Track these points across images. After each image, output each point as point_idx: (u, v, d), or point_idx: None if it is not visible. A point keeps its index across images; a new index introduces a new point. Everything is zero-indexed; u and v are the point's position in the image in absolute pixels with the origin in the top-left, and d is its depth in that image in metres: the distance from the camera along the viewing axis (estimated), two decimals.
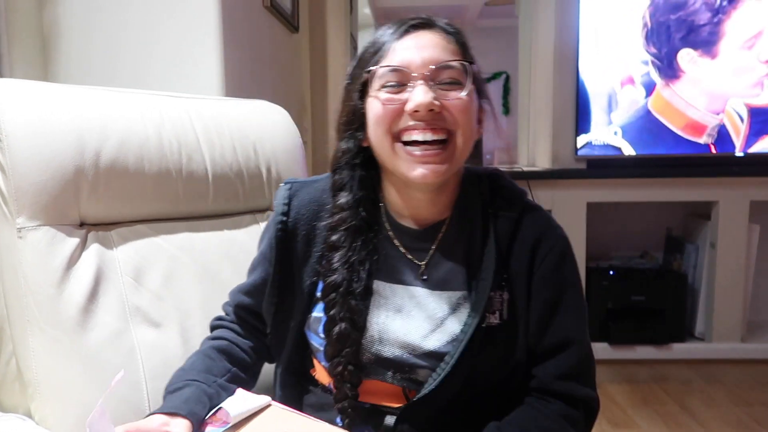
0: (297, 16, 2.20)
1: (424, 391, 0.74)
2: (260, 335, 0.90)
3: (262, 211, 1.19)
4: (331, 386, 0.80)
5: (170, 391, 0.78)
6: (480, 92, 0.78)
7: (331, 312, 0.77)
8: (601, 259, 2.95)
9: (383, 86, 0.74)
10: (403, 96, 0.73)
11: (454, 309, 0.77)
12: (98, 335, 0.84)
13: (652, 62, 2.67)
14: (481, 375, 0.75)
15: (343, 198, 0.80)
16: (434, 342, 0.75)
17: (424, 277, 0.79)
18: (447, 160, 0.73)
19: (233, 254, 1.07)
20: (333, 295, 0.78)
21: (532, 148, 2.94)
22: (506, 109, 6.64)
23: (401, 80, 0.73)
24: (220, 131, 1.09)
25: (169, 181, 0.99)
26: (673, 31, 2.64)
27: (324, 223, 0.82)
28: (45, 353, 0.80)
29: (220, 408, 0.75)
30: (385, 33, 0.77)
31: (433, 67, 0.72)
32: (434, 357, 0.75)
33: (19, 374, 0.83)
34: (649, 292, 2.71)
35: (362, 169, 0.80)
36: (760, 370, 2.60)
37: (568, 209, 2.64)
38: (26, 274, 0.81)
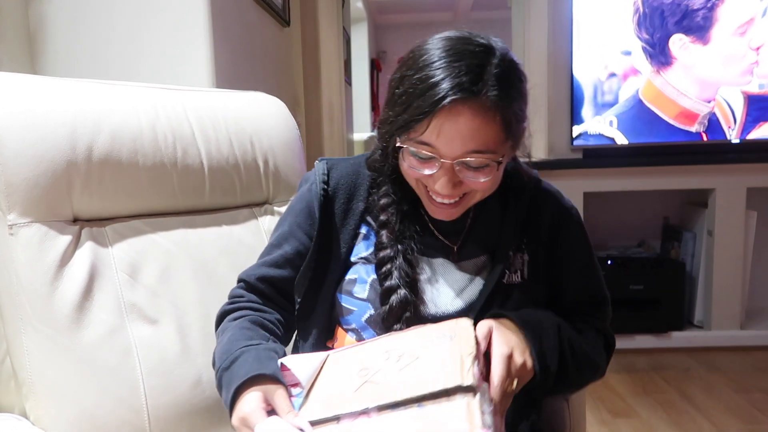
0: (288, 10, 2.18)
1: None
2: (282, 310, 0.88)
3: (260, 204, 1.17)
4: None
5: (225, 367, 0.74)
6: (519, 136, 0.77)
7: (387, 283, 0.80)
8: (598, 249, 2.95)
9: (413, 153, 0.74)
10: (429, 170, 0.74)
11: (479, 271, 0.84)
12: (93, 333, 0.83)
13: (644, 48, 2.65)
14: None
15: (386, 187, 0.85)
16: (461, 301, 0.82)
17: (455, 257, 0.86)
18: (462, 208, 0.80)
19: (231, 249, 1.06)
20: (388, 266, 0.81)
21: (528, 139, 2.93)
22: None
23: (429, 156, 0.73)
24: (216, 124, 1.07)
25: (164, 175, 0.97)
26: (666, 15, 2.63)
27: (363, 195, 0.87)
28: (39, 352, 0.79)
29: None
30: (428, 85, 0.70)
31: (462, 159, 0.72)
32: (461, 315, 0.80)
33: (14, 373, 0.82)
34: (648, 281, 2.71)
35: (398, 171, 0.83)
36: (759, 356, 2.61)
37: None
38: (18, 272, 0.79)
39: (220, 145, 1.07)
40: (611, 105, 2.71)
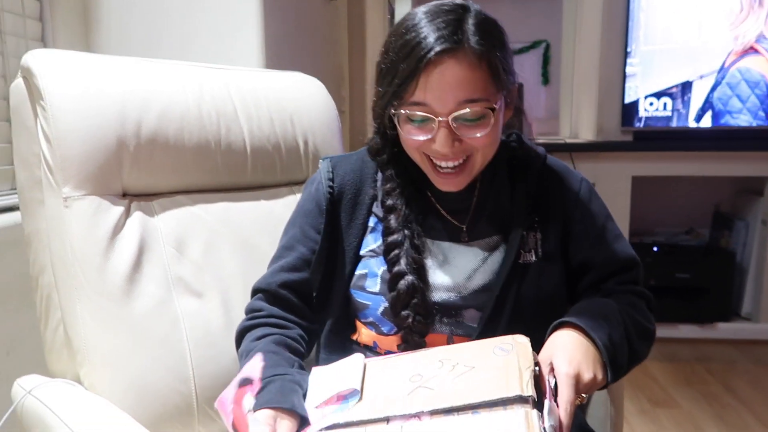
0: None
1: (476, 332, 0.80)
2: (304, 317, 0.87)
3: (300, 183, 1.18)
4: (376, 346, 0.85)
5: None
6: (510, 92, 0.78)
7: (396, 268, 0.80)
8: (644, 234, 2.87)
9: (409, 118, 0.75)
10: (427, 135, 0.75)
11: (492, 251, 0.84)
12: (143, 304, 0.86)
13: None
14: (524, 310, 0.81)
15: (390, 171, 0.85)
16: (476, 282, 0.82)
17: (465, 238, 0.85)
18: (468, 175, 0.79)
19: (271, 226, 1.07)
20: (396, 251, 0.81)
21: (575, 119, 2.85)
22: (545, 79, 6.45)
23: (425, 117, 0.74)
24: (258, 103, 1.09)
25: (209, 152, 0.99)
26: None
27: (370, 187, 0.87)
28: (93, 321, 0.82)
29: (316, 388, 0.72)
30: (411, 46, 0.72)
31: (457, 112, 0.72)
32: (477, 297, 0.81)
33: (67, 341, 0.86)
34: (695, 269, 2.63)
35: (401, 150, 0.83)
36: None
37: (612, 183, 2.56)
38: (73, 244, 0.82)
39: (262, 123, 1.08)
40: (671, 82, 2.59)
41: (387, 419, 0.63)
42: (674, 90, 2.60)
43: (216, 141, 1.00)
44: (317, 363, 0.89)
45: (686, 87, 2.59)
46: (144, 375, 0.84)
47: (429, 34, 0.71)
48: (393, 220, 0.82)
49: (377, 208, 0.86)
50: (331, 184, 0.87)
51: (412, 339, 0.80)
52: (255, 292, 0.88)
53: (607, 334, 0.72)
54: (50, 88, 0.82)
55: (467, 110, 0.72)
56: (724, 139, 2.61)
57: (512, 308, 0.80)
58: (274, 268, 0.88)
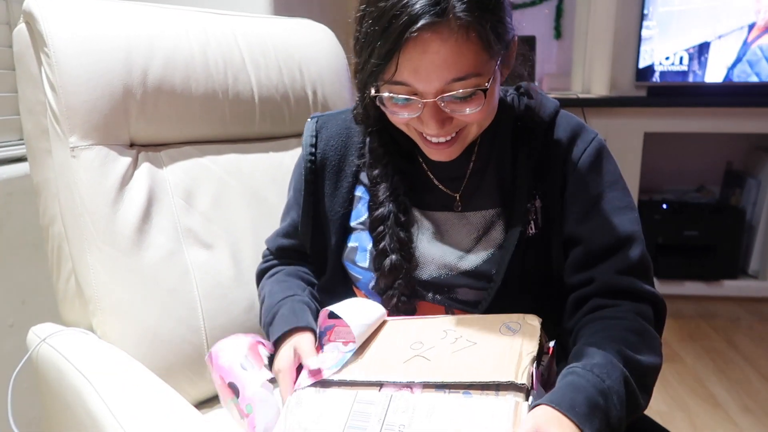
0: None
1: (482, 306, 0.74)
2: (308, 265, 0.91)
3: None
4: None
5: (268, 322, 0.79)
6: (506, 52, 0.68)
7: (381, 245, 0.77)
8: (654, 192, 2.84)
9: (391, 98, 0.67)
10: (413, 113, 0.67)
11: (490, 227, 0.77)
12: (153, 255, 0.86)
13: None
14: (529, 285, 0.75)
15: (376, 141, 0.79)
16: (471, 261, 0.76)
17: (459, 207, 0.79)
18: (461, 145, 0.72)
19: (279, 177, 1.06)
20: (381, 227, 0.77)
21: (588, 74, 2.78)
22: (558, 33, 6.29)
23: (408, 97, 0.66)
24: (266, 51, 1.06)
25: (216, 102, 0.97)
26: None
27: (355, 154, 0.82)
28: (104, 271, 0.82)
29: (332, 324, 0.74)
30: (387, 19, 0.61)
31: (445, 94, 0.64)
32: (472, 274, 0.76)
33: (79, 291, 0.86)
34: (703, 227, 2.61)
35: (385, 118, 0.75)
36: None
37: (624, 139, 2.51)
38: (81, 194, 0.82)
39: (270, 72, 1.05)
40: (689, 38, 2.51)
41: (380, 384, 0.63)
42: (691, 50, 2.52)
43: (223, 90, 0.98)
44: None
45: (704, 47, 2.52)
46: (155, 325, 0.85)
47: (405, 5, 0.60)
48: (380, 192, 0.78)
49: (364, 177, 0.82)
50: (312, 150, 0.83)
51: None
52: (266, 245, 0.94)
53: (603, 421, 0.59)
54: (54, 33, 0.79)
55: (459, 92, 0.64)
56: (738, 95, 2.54)
57: (517, 285, 0.74)
58: (278, 231, 0.92)
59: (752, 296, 2.63)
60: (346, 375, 0.65)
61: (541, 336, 0.65)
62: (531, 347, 0.63)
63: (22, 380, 0.82)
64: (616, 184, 0.76)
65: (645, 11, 2.51)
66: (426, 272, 0.77)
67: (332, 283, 0.85)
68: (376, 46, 0.63)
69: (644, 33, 2.54)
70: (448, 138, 0.70)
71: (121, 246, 0.83)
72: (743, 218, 2.64)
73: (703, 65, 2.54)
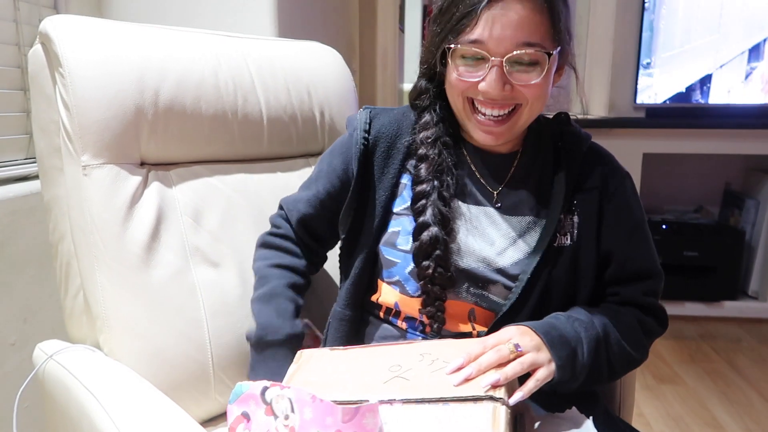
0: None
1: (504, 308, 0.80)
2: (312, 255, 0.95)
3: (315, 155, 1.18)
4: (397, 307, 0.85)
5: (269, 342, 0.85)
6: (563, 53, 0.78)
7: (421, 219, 0.80)
8: (653, 212, 2.86)
9: (462, 56, 0.74)
10: (478, 74, 0.74)
11: (525, 232, 0.82)
12: (162, 273, 0.86)
13: None
14: (553, 293, 0.81)
15: (428, 116, 0.84)
16: (508, 259, 0.81)
17: (498, 204, 0.84)
18: (510, 128, 0.78)
19: None
20: (423, 201, 0.81)
21: (587, 95, 2.81)
22: None
23: (479, 56, 0.73)
24: (274, 73, 1.07)
25: (225, 122, 0.99)
26: None
27: (406, 139, 0.86)
28: (112, 288, 0.83)
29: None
30: None
31: (513, 53, 0.72)
32: (506, 274, 0.80)
33: (87, 308, 0.87)
34: (703, 248, 2.62)
35: (441, 99, 0.84)
36: None
37: (623, 160, 2.50)
38: (92, 212, 0.83)
39: (279, 94, 1.07)
40: (685, 61, 2.55)
41: (360, 403, 0.63)
42: (695, 86, 2.56)
43: (233, 111, 0.99)
44: (331, 316, 0.91)
45: (705, 78, 2.56)
46: (162, 343, 0.85)
47: None
48: (423, 169, 0.82)
49: (411, 166, 0.85)
50: (366, 135, 0.86)
51: (432, 293, 0.80)
52: (281, 207, 0.96)
53: (566, 353, 0.74)
54: (69, 54, 0.81)
55: (523, 52, 0.71)
56: (737, 116, 2.58)
57: (541, 291, 0.80)
58: (300, 196, 0.93)
59: (753, 317, 2.63)
60: (326, 396, 0.65)
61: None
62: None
63: (26, 396, 0.82)
64: (644, 218, 0.86)
65: (643, 33, 2.55)
66: (464, 261, 0.81)
67: (360, 270, 0.87)
68: (460, 5, 0.72)
69: (643, 72, 2.57)
70: (501, 114, 0.76)
71: (129, 264, 0.84)
72: (743, 239, 2.65)
73: (704, 91, 2.57)
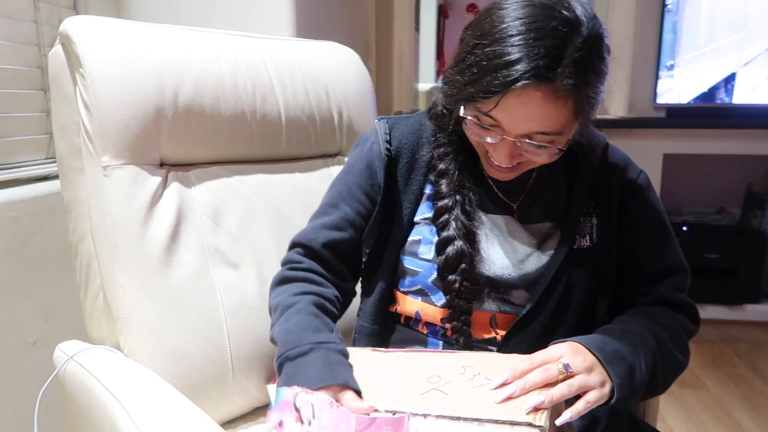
0: None
1: (525, 310, 0.79)
2: (342, 279, 0.87)
3: (333, 155, 1.17)
4: (419, 316, 0.84)
5: (290, 357, 0.71)
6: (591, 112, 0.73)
7: (444, 233, 0.79)
8: (673, 214, 2.82)
9: (477, 118, 0.72)
10: (490, 139, 0.72)
11: (546, 238, 0.82)
12: (181, 274, 0.86)
13: None
14: (573, 295, 0.80)
15: (446, 134, 0.84)
16: (530, 265, 0.80)
17: (517, 215, 0.83)
18: (521, 171, 0.78)
19: (305, 198, 1.07)
20: (446, 216, 0.80)
21: (605, 94, 2.77)
22: None
23: (492, 128, 0.72)
24: (293, 73, 1.07)
25: (244, 123, 0.98)
26: None
27: (427, 151, 0.85)
28: (132, 289, 0.83)
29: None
30: (499, 64, 0.65)
31: (526, 140, 0.70)
32: (528, 279, 0.80)
33: (106, 309, 0.87)
34: (725, 250, 2.58)
35: (459, 123, 0.80)
36: None
37: (643, 161, 2.47)
38: (112, 212, 0.82)
39: (297, 94, 1.06)
40: (707, 60, 2.51)
41: (394, 413, 0.63)
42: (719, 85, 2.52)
43: (251, 112, 0.99)
44: (356, 332, 0.89)
45: (729, 78, 2.51)
46: (182, 344, 0.85)
47: (522, 58, 0.64)
48: (444, 185, 0.81)
49: (433, 176, 0.84)
50: (388, 146, 0.84)
51: (458, 307, 0.79)
52: (294, 245, 0.87)
53: (626, 368, 0.69)
54: (89, 55, 0.81)
55: (536, 142, 0.70)
56: (759, 116, 2.53)
57: (561, 293, 0.79)
58: (315, 225, 0.87)
59: None
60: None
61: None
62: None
63: (46, 396, 0.82)
64: (664, 215, 0.85)
65: (666, 35, 2.52)
66: (489, 269, 0.80)
67: (386, 285, 0.85)
68: (482, 79, 0.67)
69: (666, 73, 2.53)
70: (511, 166, 0.75)
71: (149, 265, 0.84)
72: (765, 241, 2.60)
73: (727, 90, 2.52)
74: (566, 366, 0.66)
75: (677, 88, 2.56)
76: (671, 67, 2.54)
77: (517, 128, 0.69)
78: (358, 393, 0.67)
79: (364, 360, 0.73)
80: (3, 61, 1.20)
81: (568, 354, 0.68)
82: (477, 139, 0.75)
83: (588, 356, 0.68)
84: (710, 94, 2.54)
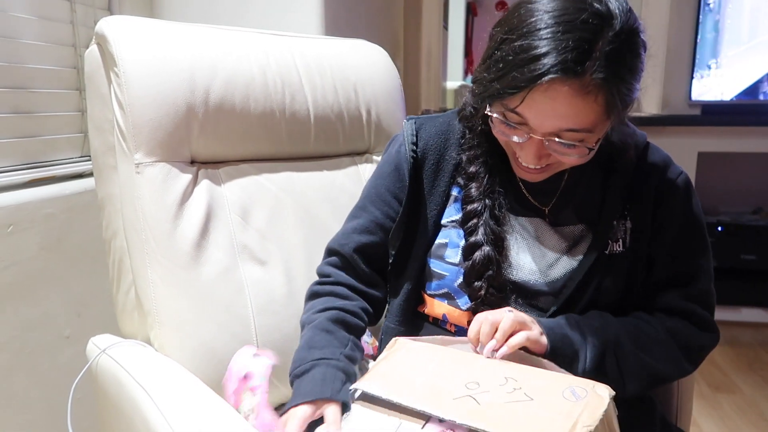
0: None
1: (548, 314, 0.77)
2: (373, 285, 0.87)
3: (361, 153, 1.17)
4: (446, 319, 0.83)
5: (297, 374, 0.74)
6: (625, 111, 0.70)
7: (472, 238, 0.78)
8: (709, 213, 2.74)
9: (504, 115, 0.70)
10: (517, 138, 0.71)
11: (578, 241, 0.79)
12: (210, 270, 0.87)
13: None
14: (603, 301, 0.78)
15: (476, 135, 0.82)
16: (559, 270, 0.78)
17: (548, 218, 0.81)
18: (550, 173, 0.76)
19: (333, 196, 1.07)
20: (474, 221, 0.79)
21: (639, 91, 2.72)
22: None
23: (520, 126, 0.70)
24: (322, 71, 1.07)
25: (273, 121, 0.99)
26: None
27: (455, 152, 0.84)
28: (163, 285, 0.84)
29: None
30: (527, 58, 0.64)
31: (554, 138, 0.68)
32: (556, 285, 0.78)
33: (138, 304, 0.88)
34: (762, 250, 2.50)
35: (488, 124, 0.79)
36: None
37: (677, 159, 2.41)
38: (144, 209, 0.84)
39: (326, 92, 1.07)
40: (746, 56, 2.44)
41: (427, 417, 0.61)
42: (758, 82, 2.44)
43: (281, 110, 0.99)
44: (382, 332, 0.89)
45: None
46: (211, 339, 0.86)
47: (551, 51, 0.62)
48: (474, 189, 0.80)
49: (461, 178, 0.83)
50: (414, 147, 0.83)
51: (484, 311, 0.77)
52: (329, 252, 0.88)
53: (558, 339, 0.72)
54: (124, 54, 0.82)
55: (564, 140, 0.67)
56: None
57: (589, 299, 0.77)
58: (346, 229, 0.87)
59: None
60: (395, 395, 0.64)
61: (608, 410, 0.60)
62: (590, 420, 0.57)
63: (79, 388, 0.84)
64: (701, 220, 0.81)
65: (699, 27, 2.45)
66: (517, 275, 0.79)
67: (412, 286, 0.84)
68: (509, 75, 0.65)
69: (706, 71, 2.46)
70: (539, 167, 0.73)
71: (180, 261, 0.85)
72: None
73: (761, 85, 2.45)
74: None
75: (713, 85, 2.49)
76: (711, 67, 2.48)
77: (544, 125, 0.67)
78: (345, 405, 0.69)
79: (411, 352, 0.72)
80: (40, 62, 1.23)
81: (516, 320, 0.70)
82: (504, 138, 0.73)
83: (535, 326, 0.72)
84: (748, 92, 2.47)
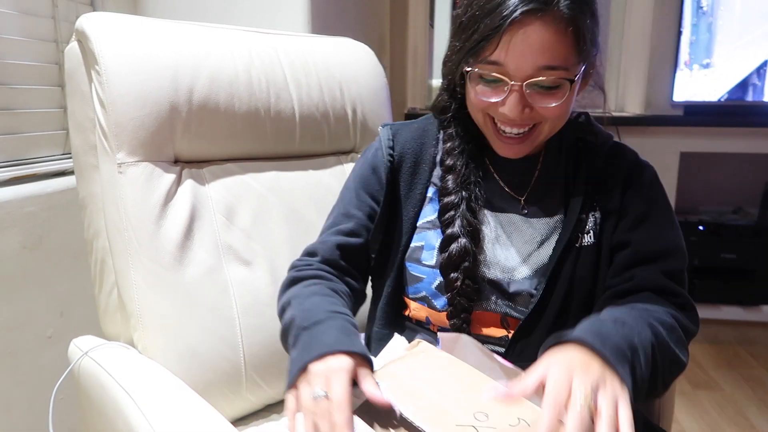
0: None
1: (528, 309, 0.77)
2: (353, 279, 0.85)
3: (347, 152, 1.17)
4: (429, 321, 0.83)
5: (307, 326, 0.68)
6: (591, 60, 0.74)
7: (449, 230, 0.79)
8: (690, 213, 2.78)
9: (481, 77, 0.72)
10: (497, 96, 0.72)
11: (551, 234, 0.80)
12: (195, 271, 0.86)
13: None
14: (576, 294, 0.78)
15: (452, 128, 0.84)
16: (532, 264, 0.79)
17: (524, 211, 0.82)
18: (531, 143, 0.77)
19: (318, 195, 1.06)
20: (451, 213, 0.79)
21: (622, 91, 2.74)
22: None
23: (498, 78, 0.71)
24: (307, 70, 1.06)
25: (258, 120, 0.98)
26: None
27: (432, 151, 0.85)
28: (147, 286, 0.83)
29: None
30: (497, 2, 0.67)
31: (533, 78, 0.69)
32: (531, 280, 0.79)
33: (121, 305, 0.87)
34: (742, 250, 2.54)
35: (464, 109, 0.81)
36: None
37: (659, 159, 2.45)
38: (127, 209, 0.83)
39: (311, 91, 1.06)
40: (725, 57, 2.47)
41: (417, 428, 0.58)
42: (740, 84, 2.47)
43: (266, 108, 0.99)
44: (369, 338, 0.89)
45: (750, 77, 2.47)
46: (195, 341, 0.85)
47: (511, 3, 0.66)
48: (450, 181, 0.81)
49: (436, 178, 0.84)
50: (391, 152, 0.85)
51: (459, 305, 0.78)
52: (306, 254, 0.85)
53: (627, 356, 0.60)
54: (105, 52, 0.81)
55: (543, 78, 0.69)
56: None
57: (565, 292, 0.77)
58: (329, 232, 0.85)
59: None
60: (399, 402, 0.61)
61: None
62: None
63: (61, 389, 0.83)
64: (668, 207, 0.82)
65: (682, 29, 2.48)
66: (491, 272, 0.79)
67: (392, 289, 0.84)
68: (480, 25, 0.69)
69: (692, 71, 2.49)
70: (522, 131, 0.74)
71: (163, 262, 0.84)
72: None
73: (748, 88, 2.48)
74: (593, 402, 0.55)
75: (695, 86, 2.52)
76: (707, 66, 2.50)
77: (523, 65, 0.68)
78: (371, 366, 0.64)
79: (430, 360, 0.69)
80: (21, 57, 1.21)
81: (580, 376, 0.56)
82: (483, 102, 0.73)
83: (594, 363, 0.58)
84: (730, 93, 2.50)
